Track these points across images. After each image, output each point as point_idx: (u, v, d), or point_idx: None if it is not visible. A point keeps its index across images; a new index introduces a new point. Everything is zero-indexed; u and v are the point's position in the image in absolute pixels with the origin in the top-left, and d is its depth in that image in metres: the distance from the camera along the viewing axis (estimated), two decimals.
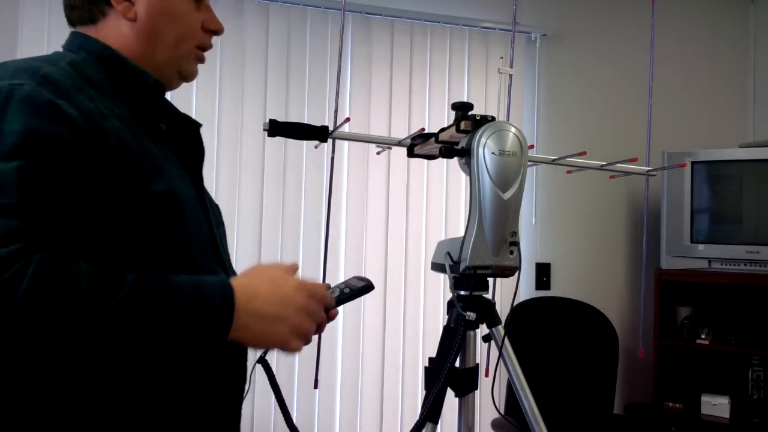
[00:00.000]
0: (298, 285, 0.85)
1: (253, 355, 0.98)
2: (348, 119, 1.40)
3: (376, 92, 2.70)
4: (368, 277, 1.04)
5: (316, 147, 1.57)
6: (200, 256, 0.89)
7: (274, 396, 1.00)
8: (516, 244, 1.18)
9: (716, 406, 2.71)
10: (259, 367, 1.01)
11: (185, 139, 0.99)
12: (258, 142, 2.54)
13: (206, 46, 1.04)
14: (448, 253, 1.22)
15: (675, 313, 2.89)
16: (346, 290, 0.99)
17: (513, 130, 1.18)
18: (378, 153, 1.75)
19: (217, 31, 1.03)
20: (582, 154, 1.48)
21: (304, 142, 2.43)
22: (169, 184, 0.85)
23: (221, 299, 0.78)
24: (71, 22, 0.95)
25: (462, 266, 1.18)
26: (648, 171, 1.59)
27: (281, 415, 1.02)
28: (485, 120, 1.20)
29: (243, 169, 2.53)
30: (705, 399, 2.74)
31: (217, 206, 1.04)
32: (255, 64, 2.55)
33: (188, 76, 1.03)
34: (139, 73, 0.92)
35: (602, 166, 1.53)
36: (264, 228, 2.54)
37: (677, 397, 2.80)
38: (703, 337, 2.77)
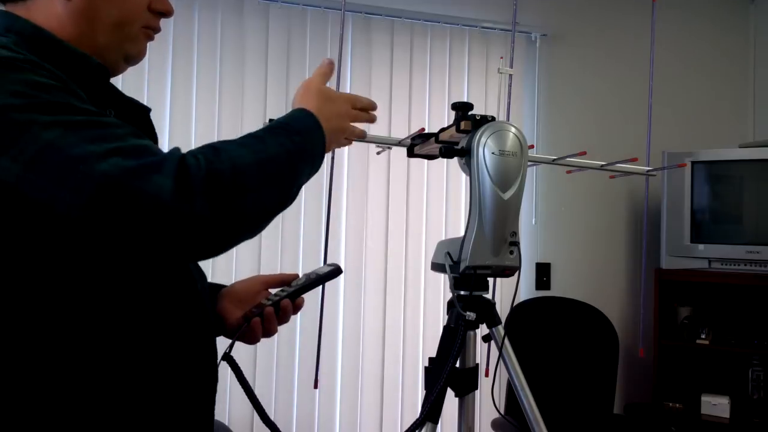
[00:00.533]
0: (346, 98, 1.01)
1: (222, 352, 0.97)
2: None
3: (376, 92, 2.70)
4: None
5: None
6: None
7: (243, 391, 0.99)
8: (516, 244, 1.18)
9: (716, 406, 2.71)
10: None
11: (135, 125, 0.93)
12: None
13: (154, 28, 0.92)
14: (448, 253, 1.22)
15: (675, 313, 2.90)
16: (312, 276, 1.03)
17: (513, 130, 1.18)
18: (378, 153, 1.75)
19: (166, 12, 0.92)
20: (582, 154, 1.48)
21: None
22: None
23: (316, 126, 0.90)
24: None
25: (462, 266, 1.18)
26: (648, 171, 1.59)
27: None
28: (485, 120, 1.20)
29: None
30: (705, 399, 2.74)
31: None
32: (255, 64, 2.55)
33: (135, 57, 0.92)
34: (80, 55, 0.83)
35: (602, 166, 1.53)
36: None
37: (677, 397, 2.80)
38: (703, 337, 2.78)
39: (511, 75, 1.62)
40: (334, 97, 0.98)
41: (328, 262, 1.50)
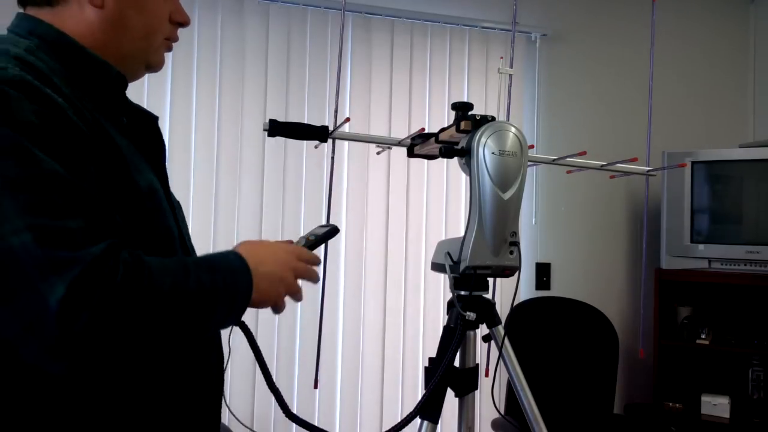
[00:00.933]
0: (287, 249, 0.93)
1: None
2: (348, 119, 1.39)
3: (376, 92, 2.70)
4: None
5: (316, 147, 1.56)
6: (179, 251, 0.90)
7: (254, 356, 1.00)
8: (516, 244, 1.18)
9: (716, 406, 2.71)
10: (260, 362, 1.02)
11: (144, 133, 0.94)
12: (258, 141, 2.54)
13: (173, 39, 0.97)
14: (448, 253, 1.22)
15: (675, 313, 2.89)
16: (312, 237, 1.03)
17: (513, 130, 1.18)
18: (378, 153, 1.75)
19: (184, 23, 0.97)
20: (582, 154, 1.48)
21: (304, 142, 2.43)
22: (148, 180, 0.85)
23: (244, 268, 0.83)
24: (21, 1, 0.87)
25: (462, 266, 1.18)
26: (648, 171, 1.60)
27: (280, 413, 1.03)
28: (485, 120, 1.20)
29: (243, 169, 2.53)
30: (705, 399, 2.74)
31: (179, 203, 1.02)
32: (255, 64, 2.55)
33: (156, 66, 0.96)
34: (101, 63, 0.85)
35: (602, 166, 1.53)
36: (264, 228, 2.54)
37: (677, 397, 2.80)
38: (703, 337, 2.77)
39: (510, 75, 1.62)
40: (276, 246, 0.93)
41: (329, 261, 1.50)
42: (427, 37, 2.79)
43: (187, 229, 1.00)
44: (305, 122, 2.52)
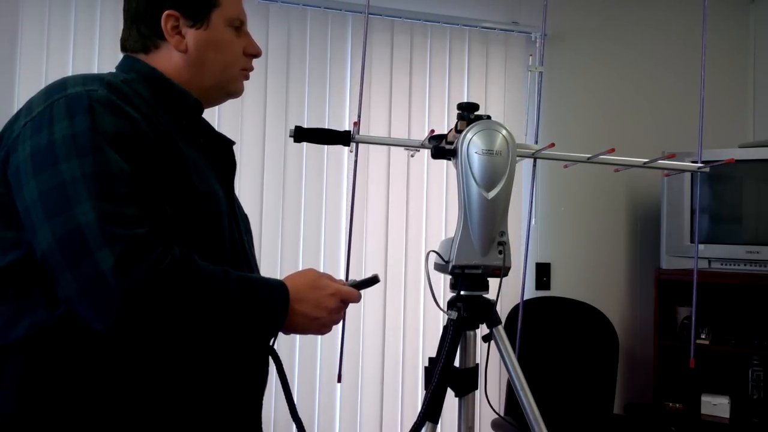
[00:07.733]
0: (334, 292, 1.01)
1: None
2: (356, 123, 1.39)
3: (375, 92, 2.70)
4: (368, 275, 1.10)
5: (351, 152, 1.55)
6: (233, 255, 1.00)
7: (280, 383, 1.08)
8: (504, 243, 1.17)
9: (716, 406, 2.71)
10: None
11: (219, 155, 1.08)
12: (258, 142, 2.54)
13: (248, 69, 1.15)
14: (433, 251, 1.23)
15: (675, 313, 2.89)
16: (351, 280, 1.11)
17: (501, 129, 1.17)
18: (412, 155, 1.71)
19: (257, 54, 1.15)
20: (611, 151, 1.40)
21: (304, 143, 2.43)
22: (209, 186, 0.98)
23: (282, 302, 0.94)
24: (124, 48, 1.06)
25: (449, 266, 1.18)
26: (699, 168, 1.56)
27: (285, 408, 1.06)
28: (479, 119, 1.20)
29: (243, 170, 2.52)
30: (705, 399, 2.74)
31: (246, 216, 1.16)
32: (255, 64, 2.55)
33: (236, 93, 1.14)
34: (181, 92, 1.02)
35: (644, 163, 1.45)
36: (264, 228, 2.54)
37: (677, 397, 2.80)
38: (703, 337, 2.77)
39: (541, 72, 1.55)
40: (321, 286, 1.01)
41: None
42: (427, 37, 2.79)
43: (251, 241, 1.14)
44: (304, 123, 2.52)
